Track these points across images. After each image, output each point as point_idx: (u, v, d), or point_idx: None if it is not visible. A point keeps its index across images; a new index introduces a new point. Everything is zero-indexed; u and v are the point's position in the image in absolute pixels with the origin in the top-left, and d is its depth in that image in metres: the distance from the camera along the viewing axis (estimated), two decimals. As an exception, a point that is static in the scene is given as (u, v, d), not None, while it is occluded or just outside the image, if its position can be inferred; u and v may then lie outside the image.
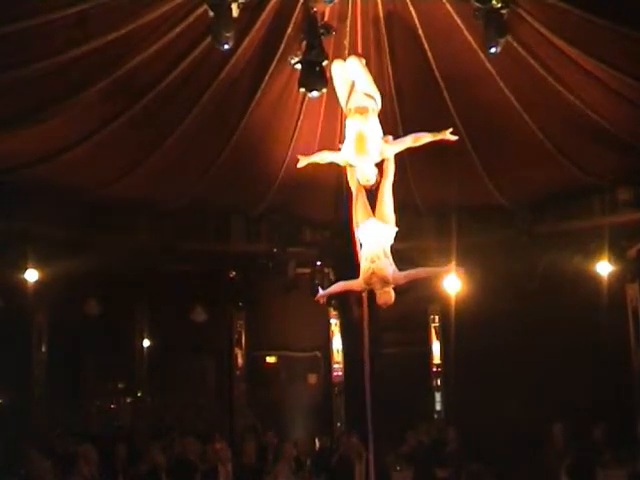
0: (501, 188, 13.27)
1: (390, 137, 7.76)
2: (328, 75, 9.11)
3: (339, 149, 7.84)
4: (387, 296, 7.33)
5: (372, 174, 7.52)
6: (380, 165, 7.65)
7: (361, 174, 7.54)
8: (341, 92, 7.97)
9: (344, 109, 7.91)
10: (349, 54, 8.79)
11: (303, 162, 8.09)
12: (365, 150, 7.49)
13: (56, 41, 8.78)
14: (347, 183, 7.90)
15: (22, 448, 11.62)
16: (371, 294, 7.62)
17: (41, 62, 9.00)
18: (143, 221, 14.26)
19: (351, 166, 7.72)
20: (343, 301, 15.55)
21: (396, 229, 7.55)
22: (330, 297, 15.84)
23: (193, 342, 15.78)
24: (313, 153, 11.62)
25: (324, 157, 8.17)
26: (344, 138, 7.73)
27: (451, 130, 7.63)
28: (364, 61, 8.00)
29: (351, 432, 13.76)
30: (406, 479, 13.15)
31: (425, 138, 7.71)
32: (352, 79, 7.86)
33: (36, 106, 9.99)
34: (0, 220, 12.19)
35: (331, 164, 8.18)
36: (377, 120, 7.68)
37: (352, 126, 7.65)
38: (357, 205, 7.70)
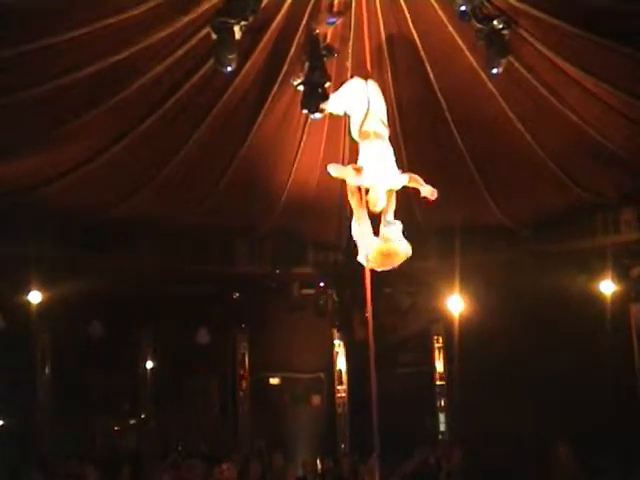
0: (504, 208, 13.27)
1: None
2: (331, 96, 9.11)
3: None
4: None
5: (383, 200, 7.45)
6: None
7: (373, 198, 7.44)
8: (356, 109, 7.86)
9: (357, 129, 7.79)
10: (352, 75, 8.81)
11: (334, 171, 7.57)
12: (387, 174, 7.44)
13: (58, 65, 8.82)
14: (349, 204, 7.83)
15: (25, 470, 11.61)
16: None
17: (44, 85, 9.04)
18: (146, 243, 14.26)
19: (360, 189, 7.61)
20: (347, 322, 15.53)
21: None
22: (334, 319, 16.00)
23: (197, 364, 15.77)
24: (315, 174, 11.68)
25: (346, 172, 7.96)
26: (357, 160, 7.64)
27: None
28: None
29: (355, 453, 13.70)
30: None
31: (419, 184, 7.66)
32: (368, 99, 7.77)
33: (39, 129, 10.04)
34: (3, 242, 12.22)
35: (333, 183, 8.15)
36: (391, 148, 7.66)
37: (372, 149, 7.57)
38: (363, 228, 7.58)
